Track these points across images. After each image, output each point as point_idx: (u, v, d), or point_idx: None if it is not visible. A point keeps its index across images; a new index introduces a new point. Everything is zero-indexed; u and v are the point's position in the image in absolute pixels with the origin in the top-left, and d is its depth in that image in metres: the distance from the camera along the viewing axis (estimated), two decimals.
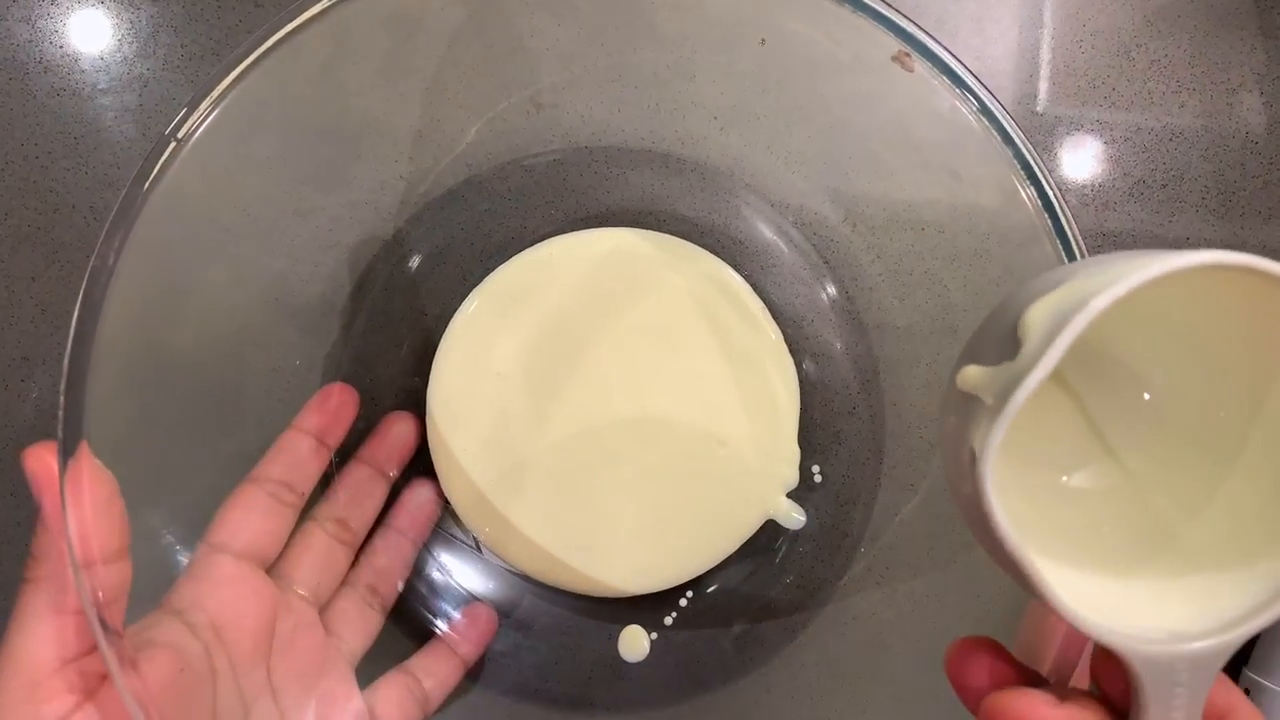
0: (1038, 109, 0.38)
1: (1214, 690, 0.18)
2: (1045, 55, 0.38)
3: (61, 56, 0.36)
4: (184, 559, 0.28)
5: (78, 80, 0.36)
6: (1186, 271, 0.17)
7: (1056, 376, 0.23)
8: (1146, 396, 0.22)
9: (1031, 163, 0.26)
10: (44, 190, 0.36)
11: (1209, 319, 0.20)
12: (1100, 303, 0.17)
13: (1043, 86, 0.38)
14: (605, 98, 0.34)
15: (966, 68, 0.26)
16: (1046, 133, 0.38)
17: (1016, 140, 0.26)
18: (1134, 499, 0.22)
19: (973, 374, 0.19)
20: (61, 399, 0.25)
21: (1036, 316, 0.19)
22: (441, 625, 0.33)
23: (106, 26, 0.36)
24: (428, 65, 0.31)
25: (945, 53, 0.26)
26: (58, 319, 0.36)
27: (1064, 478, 0.23)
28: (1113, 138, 0.38)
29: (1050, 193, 0.27)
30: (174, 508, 0.28)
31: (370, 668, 0.31)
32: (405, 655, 0.32)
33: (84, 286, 0.25)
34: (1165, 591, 0.20)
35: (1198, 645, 0.18)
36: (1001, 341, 0.19)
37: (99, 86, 0.36)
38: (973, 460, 0.18)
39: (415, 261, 0.35)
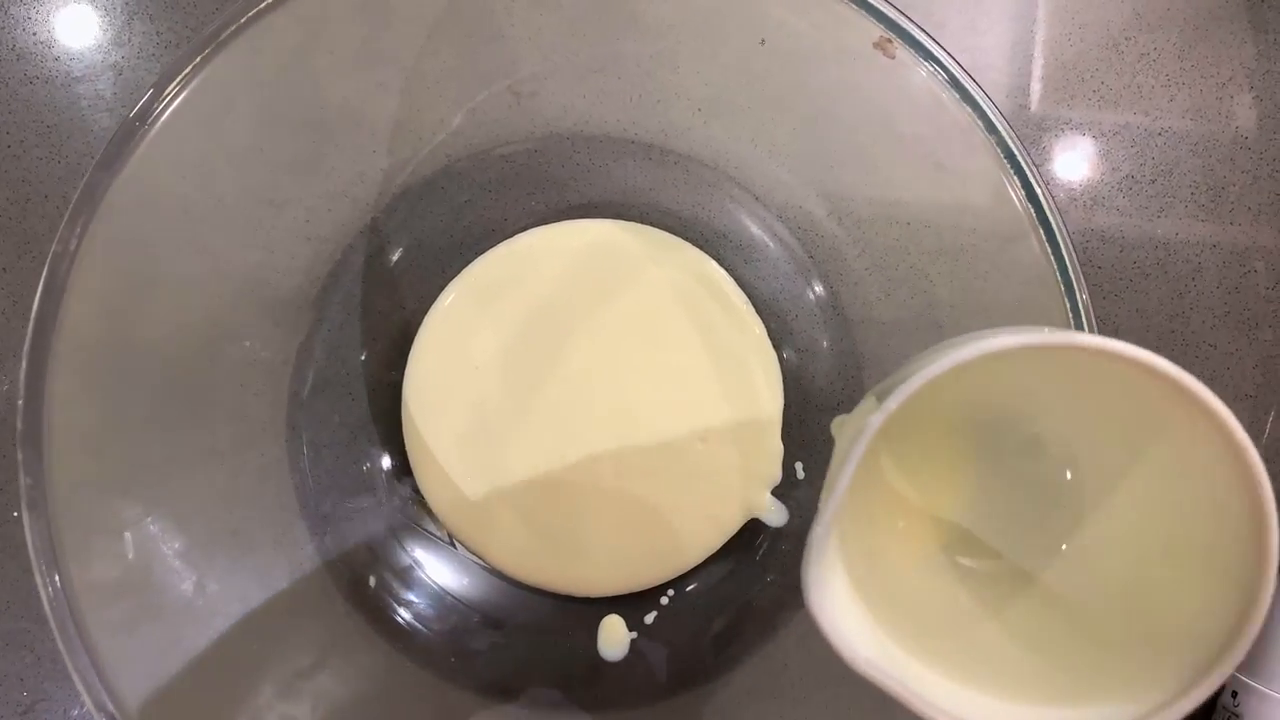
0: (1028, 105, 0.38)
1: None
2: (1036, 50, 0.38)
3: (34, 44, 0.35)
4: (156, 554, 0.27)
5: (51, 68, 0.35)
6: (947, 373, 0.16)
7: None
8: (1068, 475, 0.22)
9: (1014, 150, 0.26)
10: (15, 180, 0.35)
11: (1104, 396, 0.20)
12: (863, 443, 0.17)
13: (1033, 82, 0.38)
14: (587, 88, 0.33)
15: (947, 52, 0.26)
16: (1035, 127, 0.38)
17: (1000, 128, 0.26)
18: (1033, 592, 0.22)
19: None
20: (21, 388, 0.25)
21: (834, 432, 0.18)
22: (408, 617, 0.33)
23: (80, 14, 0.36)
24: (406, 54, 0.31)
25: (927, 38, 0.26)
26: (29, 311, 0.35)
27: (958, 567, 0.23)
28: (1101, 133, 0.38)
29: (1034, 183, 0.26)
30: (146, 502, 0.28)
31: (341, 662, 0.30)
32: (374, 649, 0.31)
33: (45, 273, 0.25)
34: (1086, 688, 0.19)
35: None
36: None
37: (73, 74, 0.35)
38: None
39: (392, 253, 0.34)
